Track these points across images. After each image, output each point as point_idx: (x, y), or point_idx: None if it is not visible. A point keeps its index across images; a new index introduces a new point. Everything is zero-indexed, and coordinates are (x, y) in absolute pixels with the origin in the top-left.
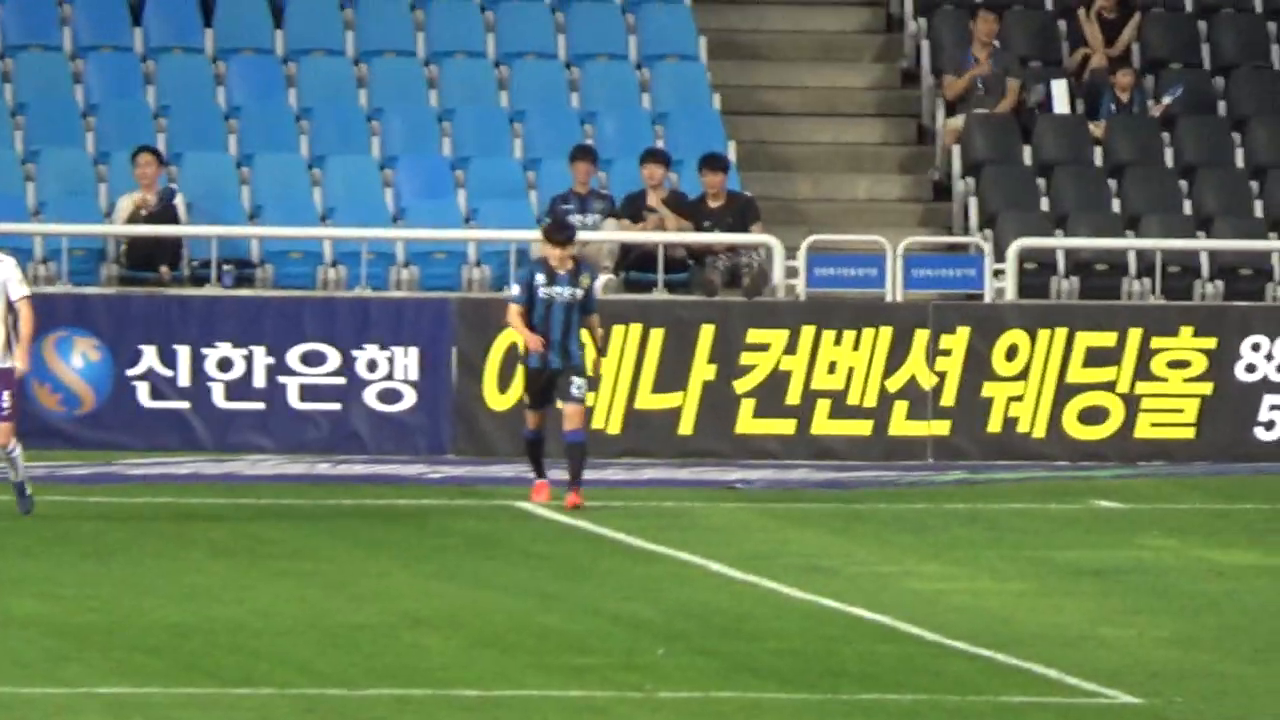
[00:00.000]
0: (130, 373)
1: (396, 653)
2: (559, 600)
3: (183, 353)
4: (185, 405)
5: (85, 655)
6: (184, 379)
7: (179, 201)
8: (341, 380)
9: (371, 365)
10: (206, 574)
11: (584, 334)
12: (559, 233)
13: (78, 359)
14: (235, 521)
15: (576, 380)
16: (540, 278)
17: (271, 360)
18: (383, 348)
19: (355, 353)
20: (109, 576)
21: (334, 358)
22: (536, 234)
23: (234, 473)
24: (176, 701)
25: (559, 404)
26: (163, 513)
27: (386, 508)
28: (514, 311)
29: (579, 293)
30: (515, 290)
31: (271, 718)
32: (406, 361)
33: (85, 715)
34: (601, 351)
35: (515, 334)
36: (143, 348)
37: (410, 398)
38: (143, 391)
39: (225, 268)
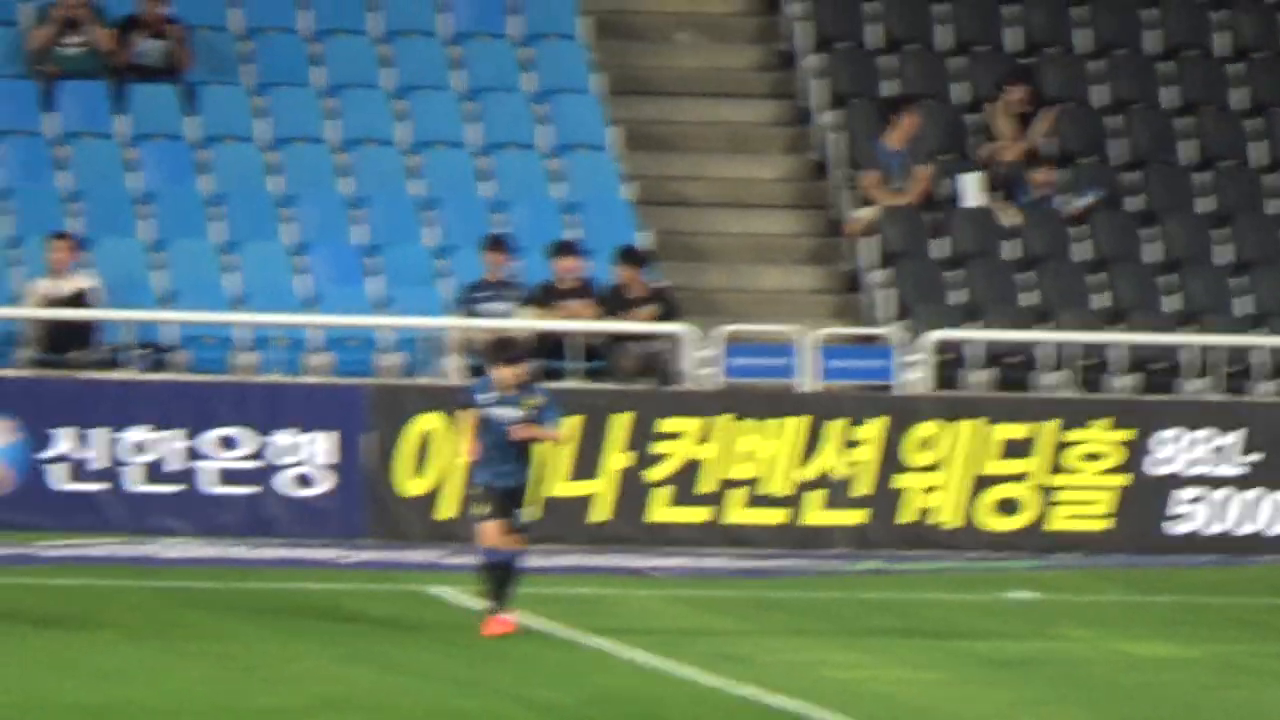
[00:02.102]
0: (45, 455)
1: None
2: (474, 686)
3: (99, 435)
4: (101, 487)
5: None
6: (100, 461)
7: (92, 284)
8: (257, 464)
9: (287, 449)
10: (121, 656)
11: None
12: (501, 352)
13: None
14: (150, 604)
15: (520, 510)
16: (491, 395)
17: (187, 444)
18: (298, 432)
19: (270, 437)
20: (23, 658)
21: (249, 442)
22: (450, 321)
23: (150, 555)
24: None
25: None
26: (78, 595)
27: (301, 592)
28: (470, 416)
29: (525, 413)
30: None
31: None
32: (321, 446)
33: None
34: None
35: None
36: (58, 430)
37: (325, 482)
38: (59, 473)
39: (140, 352)
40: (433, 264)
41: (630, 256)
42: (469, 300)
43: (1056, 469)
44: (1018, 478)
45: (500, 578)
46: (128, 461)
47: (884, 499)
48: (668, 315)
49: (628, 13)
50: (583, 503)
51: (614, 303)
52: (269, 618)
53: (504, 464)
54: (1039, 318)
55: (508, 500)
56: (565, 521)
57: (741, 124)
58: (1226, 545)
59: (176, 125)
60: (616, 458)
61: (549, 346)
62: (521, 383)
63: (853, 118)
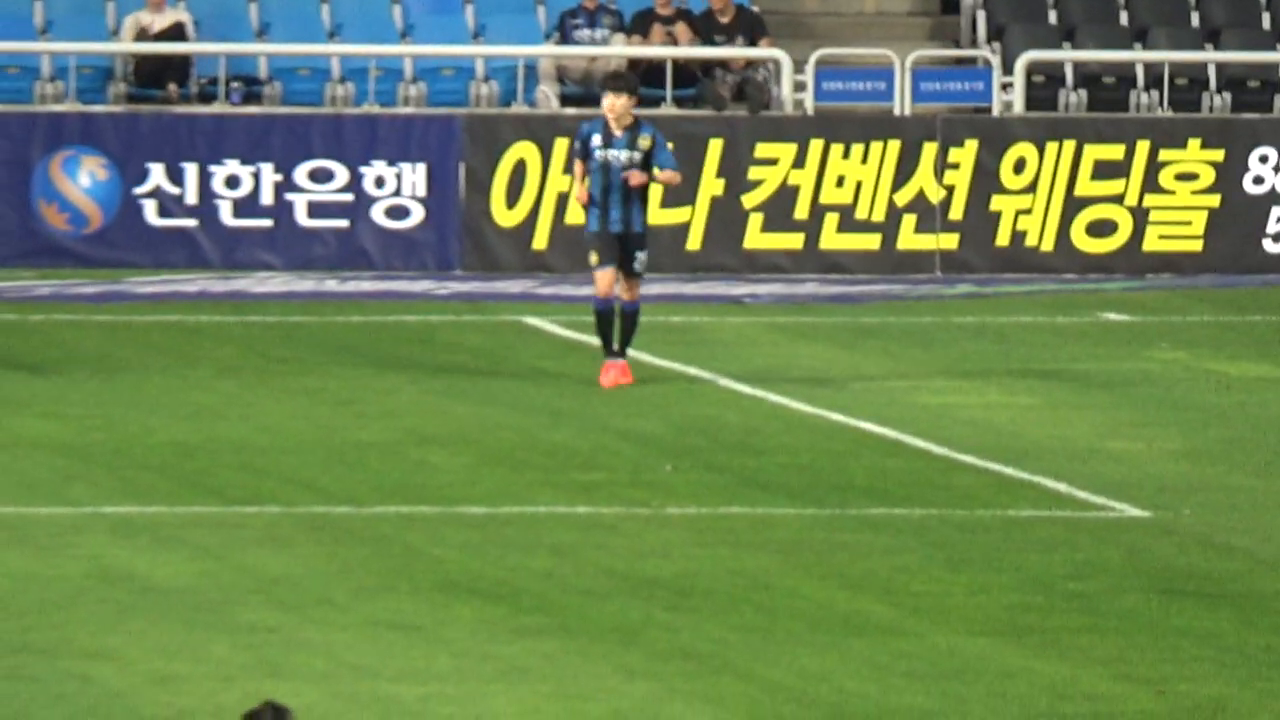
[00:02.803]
0: (138, 191)
1: (403, 470)
2: (566, 417)
3: (190, 170)
4: (193, 223)
5: (92, 474)
6: (191, 197)
7: (186, 20)
8: (349, 197)
9: (379, 182)
10: (213, 392)
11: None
12: (612, 81)
13: (85, 178)
14: (242, 339)
15: (639, 255)
16: (597, 138)
17: (279, 177)
18: (390, 164)
19: (363, 169)
20: (115, 396)
21: (342, 175)
22: (545, 49)
23: (241, 290)
24: (183, 520)
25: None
26: (170, 331)
27: (394, 324)
28: (577, 165)
29: (637, 155)
30: (575, 145)
31: (278, 536)
32: (414, 178)
33: (92, 535)
34: (651, 179)
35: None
36: (150, 166)
37: (418, 214)
38: (150, 210)
39: (233, 85)
40: None
41: None
42: (565, 27)
43: (1151, 189)
44: (1112, 199)
45: (618, 325)
46: (221, 195)
47: (978, 222)
48: (756, 39)
49: None
50: (677, 231)
51: (706, 28)
52: (363, 352)
53: (616, 209)
54: (1135, 37)
55: (621, 247)
56: (660, 250)
57: None
58: None
59: None
60: (711, 184)
61: (645, 73)
62: (632, 121)
63: None
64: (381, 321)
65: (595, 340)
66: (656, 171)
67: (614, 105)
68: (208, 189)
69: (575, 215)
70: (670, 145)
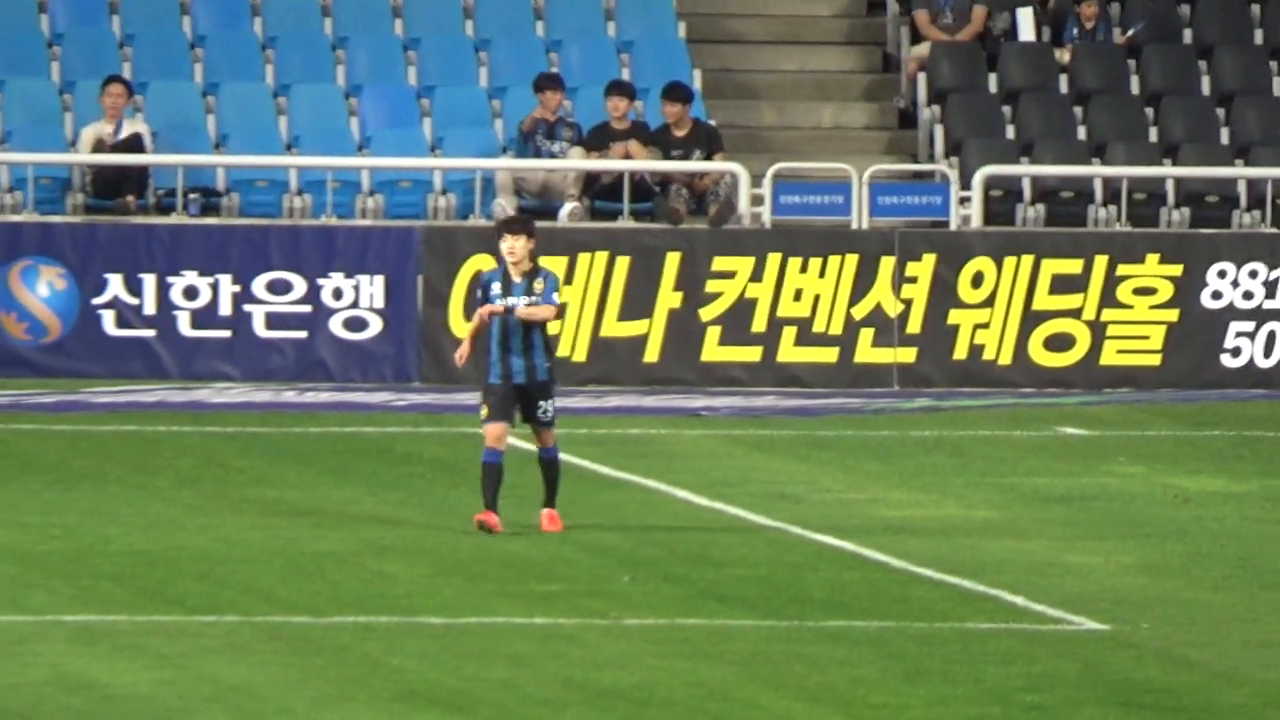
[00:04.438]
0: (96, 301)
1: (362, 580)
2: (524, 528)
3: (149, 281)
4: (151, 333)
5: (50, 583)
6: (150, 307)
7: (144, 130)
8: (307, 308)
9: (337, 293)
10: (171, 502)
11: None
12: (511, 224)
13: (43, 288)
14: (201, 450)
15: (544, 405)
16: (496, 286)
17: (237, 288)
18: (348, 276)
19: (321, 281)
20: (74, 504)
21: (300, 286)
22: (502, 162)
23: (200, 400)
24: (142, 629)
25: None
26: (128, 441)
27: (352, 436)
28: (476, 316)
29: (535, 300)
30: (477, 291)
31: (237, 645)
32: (372, 290)
33: (51, 643)
34: (524, 315)
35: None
36: (108, 276)
37: (376, 325)
38: (109, 320)
39: (191, 196)
40: (487, 104)
41: (675, 93)
42: (522, 141)
43: (1109, 304)
44: (1070, 313)
45: (540, 475)
46: (178, 306)
47: (936, 336)
48: (713, 152)
49: None
50: (635, 343)
51: (663, 142)
52: (321, 462)
53: (518, 358)
54: (1093, 152)
55: (524, 398)
56: (617, 362)
57: None
58: (1278, 379)
59: None
60: (668, 298)
61: (602, 187)
62: (530, 267)
63: None
64: (340, 432)
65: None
66: (537, 308)
67: (514, 248)
68: (166, 299)
69: None
70: (557, 293)
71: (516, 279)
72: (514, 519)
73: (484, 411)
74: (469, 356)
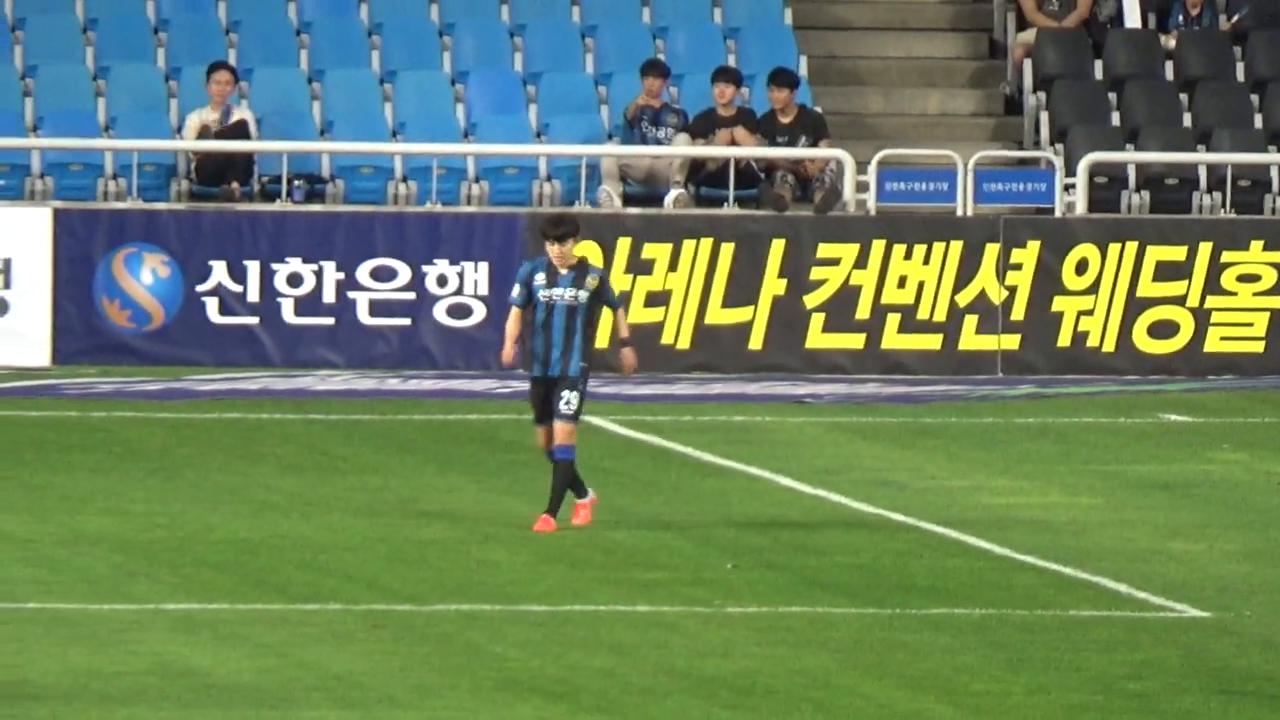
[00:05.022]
0: (200, 288)
1: (464, 568)
2: (627, 515)
3: (253, 268)
4: (255, 320)
5: (154, 571)
6: (254, 294)
7: (249, 117)
8: (411, 295)
9: (441, 280)
10: (275, 490)
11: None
12: (553, 227)
13: (147, 275)
14: (304, 437)
15: (566, 395)
16: (540, 277)
17: (341, 275)
18: (453, 263)
19: (425, 268)
20: (177, 492)
21: (404, 273)
22: (607, 148)
23: (303, 388)
24: (244, 617)
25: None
26: (231, 428)
27: (455, 423)
28: (511, 315)
29: (582, 295)
30: (514, 290)
31: (339, 633)
32: (476, 277)
33: (153, 631)
34: (625, 342)
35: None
36: (212, 263)
37: (480, 313)
38: (212, 307)
39: (296, 183)
40: (592, 91)
41: (781, 78)
42: (627, 127)
43: (1213, 291)
44: (1174, 300)
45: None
46: (282, 294)
47: (1040, 323)
48: (818, 139)
49: None
50: (739, 330)
51: (768, 128)
52: (424, 450)
53: (554, 350)
54: (1198, 139)
55: (550, 391)
56: (721, 350)
57: None
58: None
59: None
60: (773, 284)
61: (707, 173)
62: (576, 261)
63: None
64: (443, 420)
65: (654, 440)
66: (617, 316)
67: (561, 252)
68: (270, 286)
69: (636, 314)
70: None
71: (563, 271)
72: (616, 505)
73: (534, 413)
74: (514, 355)
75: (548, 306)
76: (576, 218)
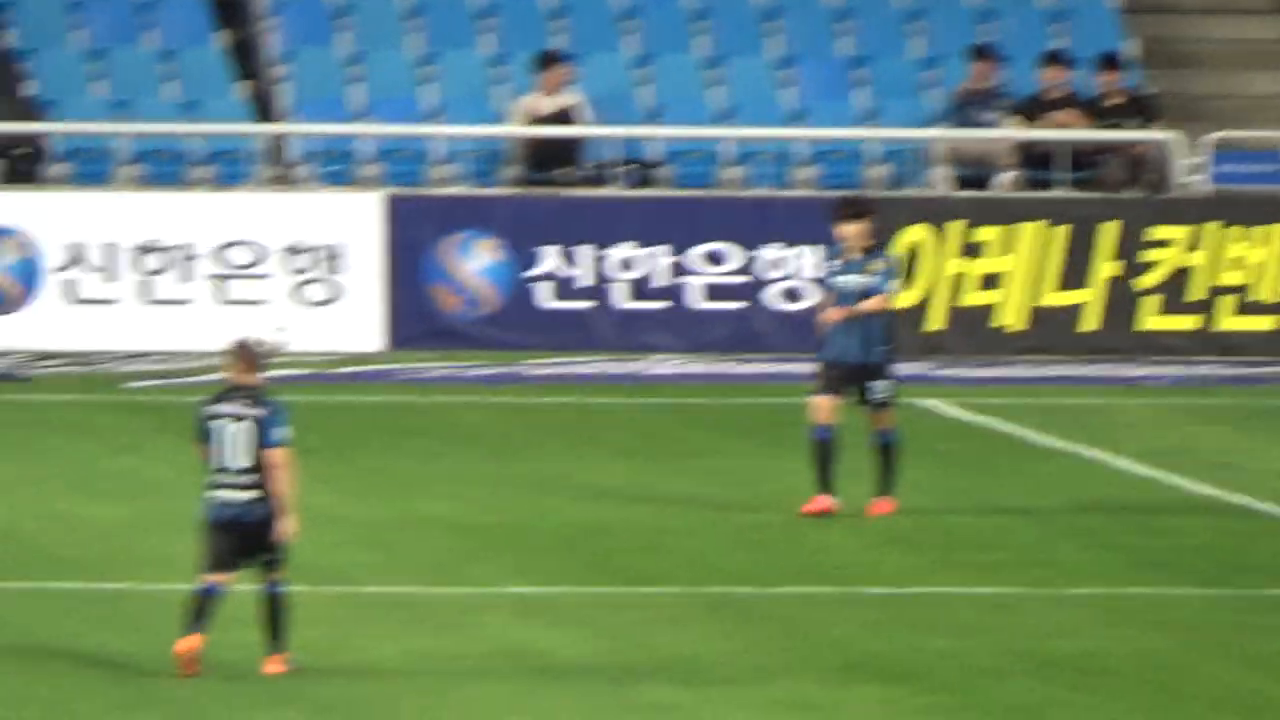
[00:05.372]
0: (530, 273)
1: (803, 551)
2: (964, 497)
3: (584, 253)
4: (587, 305)
5: (493, 555)
6: (586, 279)
7: (577, 102)
8: (744, 279)
9: (774, 264)
10: (609, 473)
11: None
12: (843, 207)
13: (478, 260)
14: (639, 421)
15: (875, 385)
16: (835, 263)
17: (674, 260)
18: (786, 246)
19: (757, 251)
20: (513, 476)
21: (736, 256)
22: (936, 132)
23: (637, 372)
24: (585, 601)
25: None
26: (565, 412)
27: (790, 407)
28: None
29: (870, 281)
30: (824, 266)
31: (679, 616)
32: (809, 260)
33: (494, 614)
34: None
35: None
36: (543, 248)
37: (813, 296)
38: (544, 292)
39: (625, 168)
40: (919, 75)
41: (1111, 62)
42: (957, 111)
43: None
44: None
45: (875, 459)
46: (614, 278)
47: None
48: (1149, 121)
49: None
50: (1072, 312)
51: (1098, 111)
52: (760, 434)
53: (850, 336)
54: None
55: (853, 378)
56: (1055, 332)
57: None
58: None
59: None
60: (1105, 267)
61: (1037, 156)
62: (868, 245)
63: None
64: (778, 404)
65: (990, 422)
66: (873, 300)
67: (844, 232)
68: (602, 271)
69: (971, 298)
70: (893, 280)
71: (853, 258)
72: (954, 487)
73: (816, 383)
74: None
75: (839, 293)
76: (870, 200)
